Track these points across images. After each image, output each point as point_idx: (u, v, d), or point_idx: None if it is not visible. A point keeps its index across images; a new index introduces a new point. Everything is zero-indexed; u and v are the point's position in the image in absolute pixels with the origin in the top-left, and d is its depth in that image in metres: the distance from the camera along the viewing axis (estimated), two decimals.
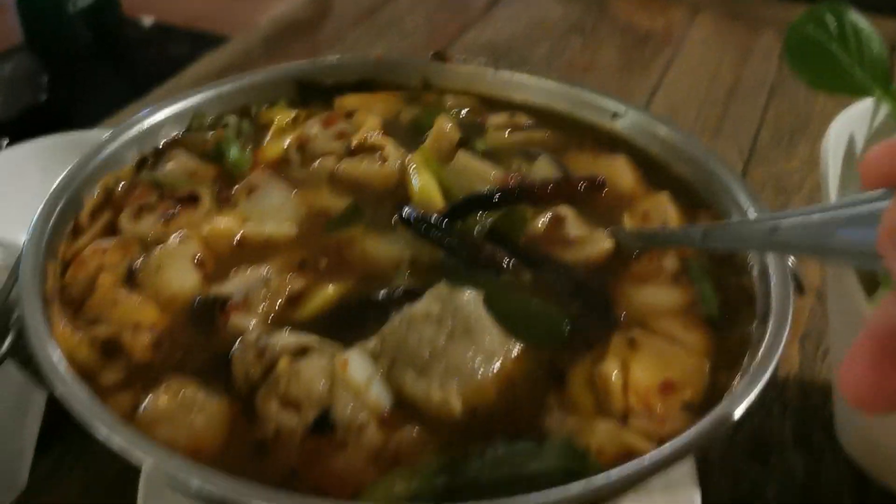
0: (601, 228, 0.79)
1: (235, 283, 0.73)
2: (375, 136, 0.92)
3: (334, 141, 0.93)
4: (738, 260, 0.78)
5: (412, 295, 0.69)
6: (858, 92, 0.98)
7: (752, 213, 0.78)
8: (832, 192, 0.91)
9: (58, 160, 1.20)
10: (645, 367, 0.68)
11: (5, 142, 1.51)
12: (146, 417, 0.62)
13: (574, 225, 0.80)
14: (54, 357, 0.61)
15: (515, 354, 0.67)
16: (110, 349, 0.68)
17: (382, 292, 0.71)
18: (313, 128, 0.95)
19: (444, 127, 0.92)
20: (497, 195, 0.79)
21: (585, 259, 0.77)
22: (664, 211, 0.85)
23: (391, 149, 0.90)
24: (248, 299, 0.71)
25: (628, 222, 0.84)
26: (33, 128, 1.88)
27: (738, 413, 0.60)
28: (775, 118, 1.68)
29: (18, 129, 1.85)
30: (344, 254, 0.79)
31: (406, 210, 0.78)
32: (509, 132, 0.94)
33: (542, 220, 0.80)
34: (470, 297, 0.67)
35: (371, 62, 0.99)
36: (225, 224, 0.80)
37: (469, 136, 0.93)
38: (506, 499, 0.52)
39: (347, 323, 0.69)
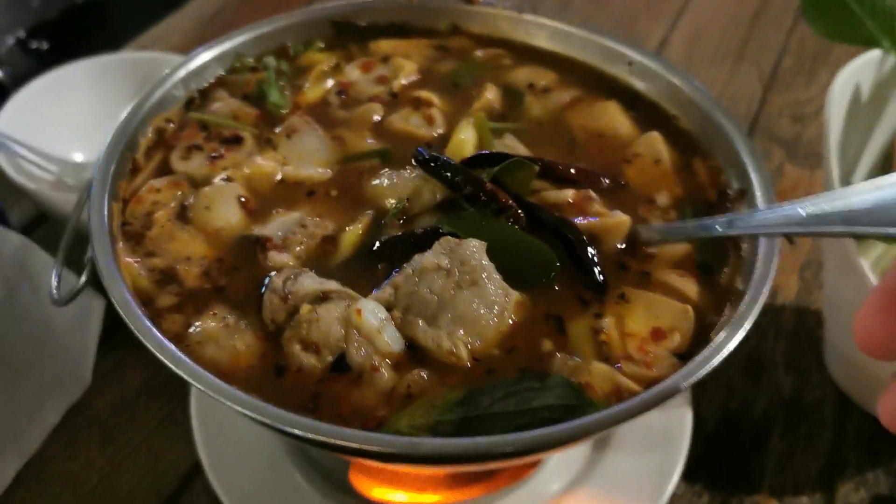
0: (620, 211, 0.83)
1: (276, 225, 0.81)
2: (423, 92, 0.97)
3: (376, 86, 0.99)
4: (728, 210, 0.84)
5: (416, 238, 0.76)
6: (869, 42, 1.02)
7: (752, 173, 0.83)
8: (833, 140, 0.96)
9: (105, 80, 1.29)
10: (637, 318, 0.75)
11: None
12: (195, 338, 0.72)
13: (599, 204, 0.84)
14: (123, 293, 0.70)
15: (516, 302, 0.73)
16: (166, 278, 0.77)
17: (386, 237, 0.77)
18: (353, 72, 1.00)
19: (490, 97, 0.97)
20: (512, 160, 0.82)
21: (603, 224, 0.81)
22: (656, 150, 0.91)
23: (437, 112, 0.95)
24: (286, 240, 0.79)
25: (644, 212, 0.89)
26: (72, 29, 1.95)
27: (714, 364, 0.67)
28: (799, 43, 1.70)
29: (59, 29, 1.91)
30: (360, 188, 0.86)
31: (420, 150, 0.83)
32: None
33: (572, 193, 0.83)
34: (475, 247, 0.73)
35: (402, 3, 1.03)
36: (266, 165, 0.87)
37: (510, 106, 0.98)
38: (518, 434, 0.61)
39: (367, 266, 0.77)
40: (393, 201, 0.82)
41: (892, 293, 0.43)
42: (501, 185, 0.80)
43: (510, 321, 0.72)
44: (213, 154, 0.88)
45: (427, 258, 0.73)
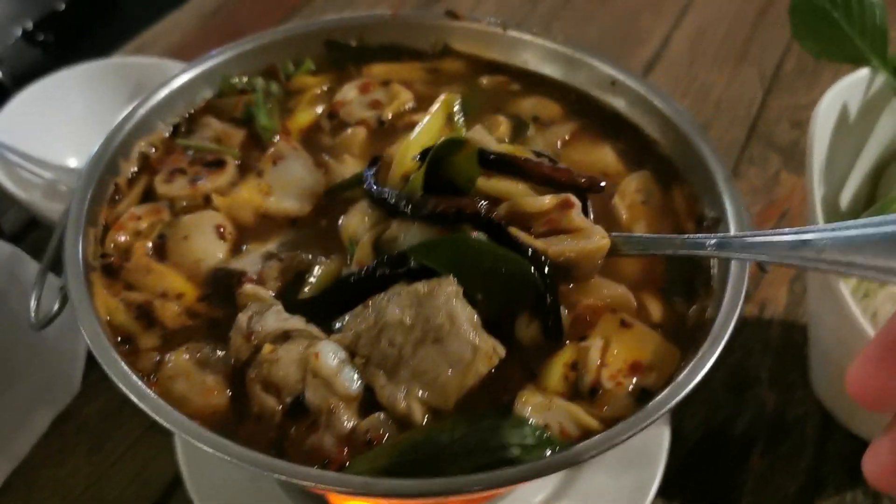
0: (600, 226, 0.77)
1: (252, 258, 0.81)
2: (416, 117, 0.95)
3: (367, 110, 0.98)
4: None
5: (373, 282, 0.73)
6: (858, 61, 1.01)
7: (726, 201, 0.83)
8: (816, 161, 0.96)
9: (99, 85, 1.30)
10: (622, 347, 0.75)
11: None
12: (167, 373, 0.73)
13: (577, 214, 0.77)
14: (94, 328, 0.71)
15: (485, 354, 0.70)
16: (144, 314, 0.78)
17: (354, 274, 0.75)
18: (350, 92, 1.00)
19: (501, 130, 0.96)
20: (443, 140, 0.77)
21: (580, 250, 0.75)
22: (647, 188, 0.90)
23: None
24: (261, 273, 0.80)
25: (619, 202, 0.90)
26: (79, 21, 1.95)
27: (670, 406, 0.68)
28: None
29: (63, 21, 1.91)
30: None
31: (365, 173, 0.81)
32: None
33: (550, 198, 0.78)
34: (446, 296, 0.69)
35: (387, 18, 1.03)
36: (247, 193, 0.87)
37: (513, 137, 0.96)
38: (478, 475, 0.62)
39: (336, 303, 0.76)
40: (362, 236, 0.81)
41: (888, 345, 0.42)
42: (444, 182, 0.77)
43: (476, 377, 0.70)
44: (195, 177, 0.89)
45: (390, 312, 0.70)
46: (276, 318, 0.73)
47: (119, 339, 0.76)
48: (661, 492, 0.98)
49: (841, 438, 1.07)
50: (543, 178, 0.81)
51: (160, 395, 0.68)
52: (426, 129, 0.83)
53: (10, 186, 1.13)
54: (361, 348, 0.71)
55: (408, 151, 0.81)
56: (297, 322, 0.73)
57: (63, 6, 1.96)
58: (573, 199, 0.78)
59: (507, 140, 0.94)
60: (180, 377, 0.72)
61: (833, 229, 0.49)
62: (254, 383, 0.71)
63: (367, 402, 0.71)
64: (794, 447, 1.06)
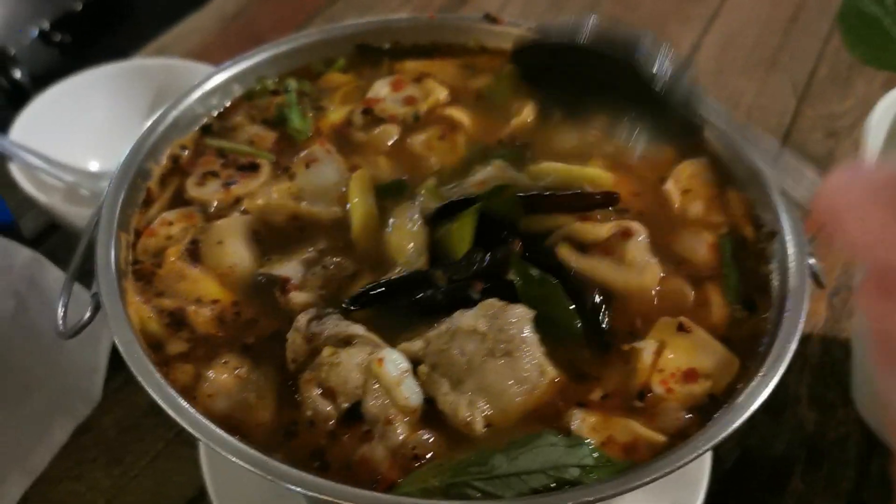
0: (656, 260, 0.79)
1: (294, 265, 0.78)
2: (455, 111, 0.95)
3: (401, 106, 0.96)
4: (761, 250, 0.81)
5: (458, 296, 0.73)
6: None
7: (782, 215, 0.81)
8: None
9: (120, 87, 1.28)
10: (679, 352, 0.73)
11: None
12: (206, 391, 0.70)
13: (636, 245, 0.79)
14: (128, 336, 0.68)
15: (550, 381, 0.69)
16: (176, 321, 0.75)
17: (428, 292, 0.74)
18: (383, 89, 0.98)
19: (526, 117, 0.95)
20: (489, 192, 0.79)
21: (625, 284, 0.77)
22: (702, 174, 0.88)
23: (462, 137, 0.93)
24: (304, 280, 0.77)
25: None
26: (95, 21, 1.93)
27: (736, 426, 0.65)
28: (835, 51, 1.64)
29: (80, 21, 1.90)
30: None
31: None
32: None
33: (610, 228, 0.79)
34: (519, 316, 0.70)
35: (425, 21, 1.00)
36: (278, 196, 0.85)
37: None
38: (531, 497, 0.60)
39: (397, 314, 0.74)
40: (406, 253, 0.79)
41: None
42: (493, 218, 0.78)
43: (538, 400, 0.69)
44: (228, 181, 0.86)
45: (465, 319, 0.70)
46: (338, 323, 0.71)
47: (149, 345, 0.73)
48: None
49: (884, 459, 1.03)
50: (560, 206, 0.82)
51: (202, 413, 0.65)
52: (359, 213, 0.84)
53: (31, 189, 1.10)
54: (430, 355, 0.69)
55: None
56: (358, 328, 0.71)
57: (80, 6, 1.94)
58: (635, 227, 0.80)
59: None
60: (221, 395, 0.70)
61: None
62: (310, 385, 0.68)
63: (424, 417, 0.69)
64: (835, 469, 1.02)
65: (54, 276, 1.02)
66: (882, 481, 1.01)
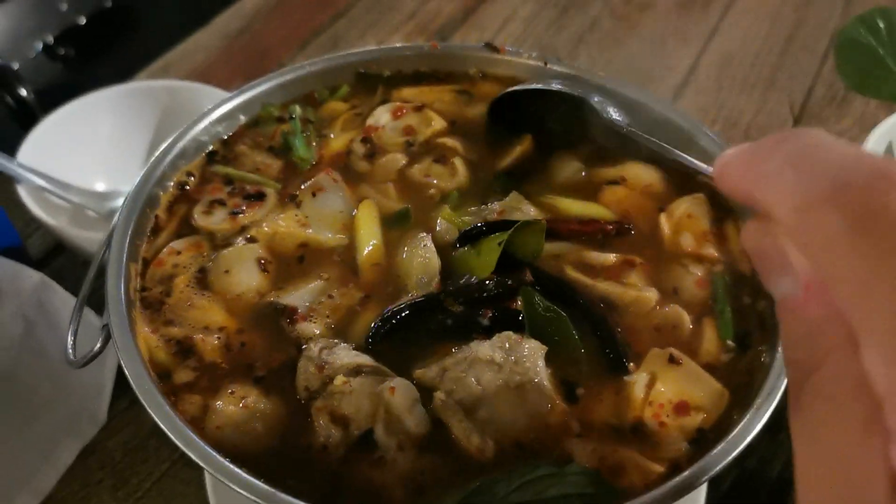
0: (655, 289, 0.82)
1: (300, 294, 0.80)
2: (449, 140, 0.97)
3: (400, 136, 0.98)
4: (758, 285, 0.83)
5: (469, 322, 0.76)
6: None
7: None
8: None
9: (126, 109, 1.29)
10: (669, 385, 0.74)
11: None
12: (215, 422, 0.71)
13: (637, 275, 0.83)
14: (136, 368, 0.70)
15: (560, 412, 0.71)
16: (184, 350, 0.76)
17: (439, 317, 0.77)
18: (383, 116, 0.99)
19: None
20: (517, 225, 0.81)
21: (619, 294, 0.81)
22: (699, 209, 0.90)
23: (460, 162, 0.95)
24: (311, 310, 0.79)
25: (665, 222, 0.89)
26: (99, 36, 1.95)
27: (734, 455, 0.67)
28: (832, 71, 1.65)
29: (84, 36, 1.91)
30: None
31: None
32: None
33: (614, 258, 0.83)
34: (531, 349, 0.72)
35: (426, 50, 1.02)
36: (287, 225, 0.86)
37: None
38: None
39: (405, 341, 0.76)
40: (417, 278, 0.81)
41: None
42: (512, 255, 0.80)
43: (545, 430, 0.71)
44: (235, 210, 0.88)
45: (483, 349, 0.72)
46: (348, 353, 0.73)
47: (157, 374, 0.74)
48: None
49: None
50: (575, 233, 0.86)
51: (211, 445, 0.67)
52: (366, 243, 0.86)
53: (38, 211, 1.12)
54: (447, 382, 0.71)
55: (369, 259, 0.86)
56: (367, 358, 0.73)
57: (84, 20, 1.96)
58: (637, 260, 0.84)
59: None
60: (230, 426, 0.71)
61: None
62: (321, 413, 0.70)
63: (430, 443, 0.71)
64: None
65: (62, 298, 1.04)
66: None
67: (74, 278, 1.01)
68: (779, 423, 1.08)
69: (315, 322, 0.78)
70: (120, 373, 1.07)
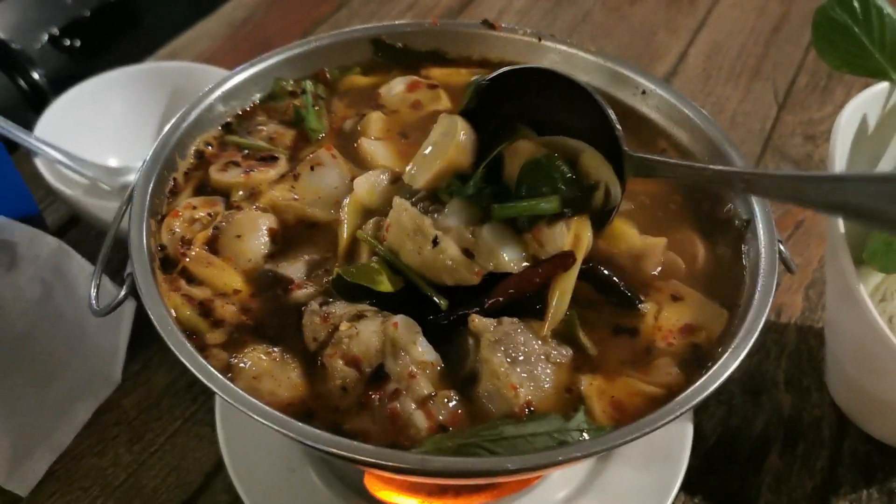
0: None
1: (299, 265, 0.85)
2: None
3: (407, 107, 1.03)
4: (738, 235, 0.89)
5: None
6: (877, 74, 1.05)
7: (757, 211, 0.87)
8: (837, 169, 1.00)
9: (138, 89, 1.34)
10: (675, 312, 0.84)
11: None
12: (250, 373, 0.76)
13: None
14: (162, 311, 0.75)
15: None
16: (205, 311, 0.81)
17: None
18: (398, 86, 1.04)
19: None
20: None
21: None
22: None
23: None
24: (306, 282, 0.84)
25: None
26: (104, 27, 2.00)
27: (712, 389, 0.73)
28: (815, 61, 1.72)
29: (92, 26, 1.96)
30: None
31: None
32: None
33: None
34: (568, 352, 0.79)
35: (427, 26, 1.07)
36: (278, 193, 0.91)
37: None
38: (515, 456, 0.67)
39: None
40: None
41: None
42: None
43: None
44: (249, 169, 0.93)
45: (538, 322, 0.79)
46: (347, 305, 0.79)
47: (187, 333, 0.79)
48: (683, 488, 1.01)
49: (856, 440, 1.10)
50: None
51: (252, 394, 0.72)
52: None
53: (55, 182, 1.16)
54: (498, 332, 0.76)
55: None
56: (366, 305, 0.79)
57: (88, 13, 2.01)
58: None
59: None
60: (265, 376, 0.76)
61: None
62: (334, 359, 0.75)
63: (445, 374, 0.77)
64: (810, 448, 1.09)
65: (79, 264, 1.08)
66: (854, 461, 1.08)
67: (90, 249, 1.06)
68: (760, 386, 1.15)
69: (310, 290, 0.83)
70: (133, 336, 1.13)
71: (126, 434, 1.07)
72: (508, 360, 0.75)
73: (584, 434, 0.71)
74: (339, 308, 0.78)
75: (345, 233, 0.87)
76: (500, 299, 0.79)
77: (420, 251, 0.80)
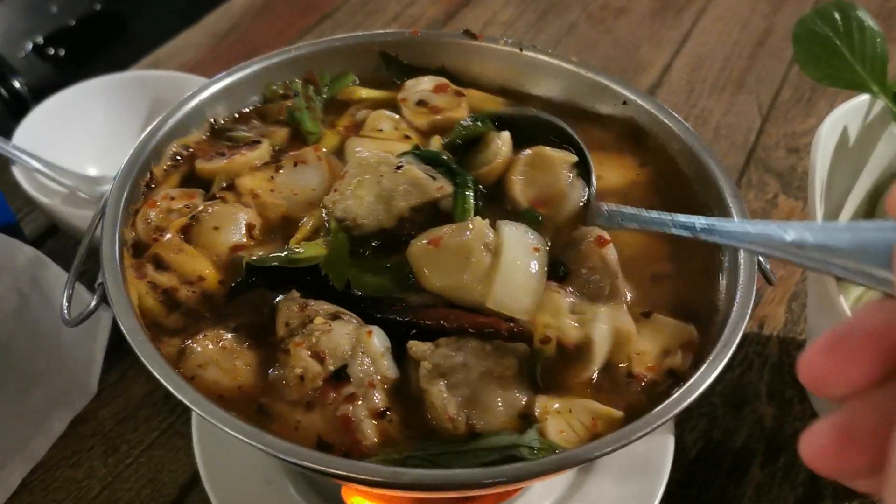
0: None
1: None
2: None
3: (424, 109, 1.02)
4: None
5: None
6: (858, 87, 1.05)
7: (733, 210, 0.87)
8: (818, 181, 1.00)
9: (119, 98, 1.33)
10: (649, 337, 0.81)
11: None
12: (195, 361, 0.76)
13: None
14: (133, 322, 0.73)
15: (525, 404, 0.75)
16: (168, 298, 0.81)
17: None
18: (427, 84, 1.04)
19: None
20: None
21: None
22: None
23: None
24: None
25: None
26: (88, 37, 1.99)
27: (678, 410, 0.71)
28: (798, 74, 1.73)
29: (76, 35, 1.95)
30: None
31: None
32: None
33: None
34: (520, 353, 0.76)
35: (407, 36, 1.07)
36: (252, 182, 0.91)
37: None
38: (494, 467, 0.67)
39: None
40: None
41: (838, 338, 0.41)
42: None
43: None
44: (232, 154, 0.93)
45: (475, 341, 0.76)
46: (327, 302, 0.78)
47: (148, 324, 0.79)
48: (664, 500, 1.01)
49: None
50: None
51: (191, 383, 0.72)
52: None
53: (32, 191, 1.16)
54: (436, 356, 0.75)
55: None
56: (346, 310, 0.78)
57: (73, 22, 2.00)
58: None
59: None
60: (211, 365, 0.75)
61: (820, 229, 0.49)
62: (301, 348, 0.74)
63: (397, 391, 0.76)
64: (791, 460, 1.09)
65: (55, 273, 1.07)
66: None
67: (68, 258, 1.05)
68: (742, 398, 1.14)
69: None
70: (110, 347, 1.12)
71: (102, 446, 1.06)
72: (447, 388, 0.73)
73: (535, 451, 0.70)
74: (319, 304, 0.77)
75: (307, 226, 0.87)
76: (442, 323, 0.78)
77: (381, 179, 0.82)
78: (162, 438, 1.07)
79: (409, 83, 1.04)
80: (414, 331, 0.78)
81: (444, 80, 1.04)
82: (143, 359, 0.71)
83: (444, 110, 1.01)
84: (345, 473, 0.65)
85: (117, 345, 1.13)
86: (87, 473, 1.03)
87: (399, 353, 0.77)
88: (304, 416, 0.72)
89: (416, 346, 0.76)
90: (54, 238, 1.30)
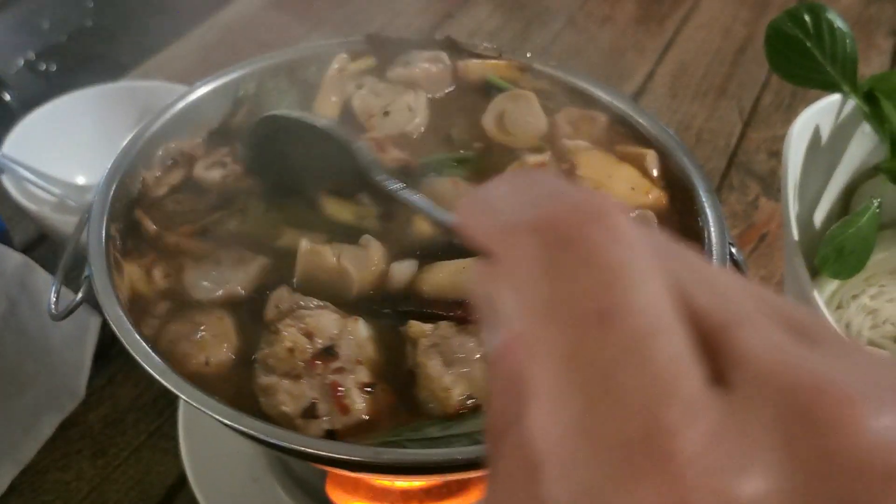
0: None
1: None
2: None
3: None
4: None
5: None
6: (829, 87, 1.08)
7: (710, 218, 0.88)
8: (791, 180, 1.02)
9: (108, 107, 1.35)
10: None
11: None
12: (167, 337, 0.78)
13: None
14: (117, 311, 0.75)
15: None
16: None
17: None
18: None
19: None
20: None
21: None
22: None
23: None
24: None
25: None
26: (79, 52, 2.01)
27: None
28: (779, 81, 1.73)
29: (65, 52, 1.98)
30: None
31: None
32: None
33: None
34: None
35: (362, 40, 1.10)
36: None
37: None
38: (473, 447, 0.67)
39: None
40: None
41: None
42: None
43: None
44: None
45: (474, 326, 0.78)
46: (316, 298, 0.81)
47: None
48: None
49: None
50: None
51: (163, 355, 0.73)
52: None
53: (21, 199, 1.17)
54: (434, 336, 0.77)
55: None
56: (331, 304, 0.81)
57: (65, 38, 2.03)
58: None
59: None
60: (182, 340, 0.78)
61: None
62: (290, 327, 0.76)
63: (384, 376, 0.77)
64: None
65: (44, 279, 1.09)
66: None
67: (55, 266, 1.06)
68: None
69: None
70: (97, 351, 1.13)
71: (90, 448, 1.07)
72: (443, 363, 0.75)
73: None
74: (311, 299, 0.80)
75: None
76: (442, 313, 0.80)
77: None
78: (150, 441, 1.08)
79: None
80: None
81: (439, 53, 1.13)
82: (126, 345, 0.72)
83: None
84: (323, 454, 0.66)
85: (106, 350, 1.14)
86: (75, 476, 1.04)
87: (392, 342, 0.79)
88: (293, 386, 0.73)
89: (416, 326, 0.78)
90: (43, 246, 1.31)
